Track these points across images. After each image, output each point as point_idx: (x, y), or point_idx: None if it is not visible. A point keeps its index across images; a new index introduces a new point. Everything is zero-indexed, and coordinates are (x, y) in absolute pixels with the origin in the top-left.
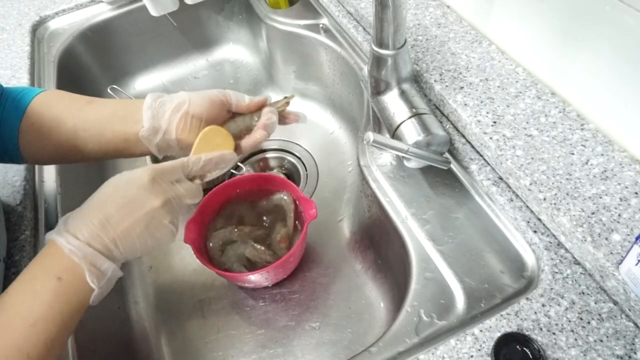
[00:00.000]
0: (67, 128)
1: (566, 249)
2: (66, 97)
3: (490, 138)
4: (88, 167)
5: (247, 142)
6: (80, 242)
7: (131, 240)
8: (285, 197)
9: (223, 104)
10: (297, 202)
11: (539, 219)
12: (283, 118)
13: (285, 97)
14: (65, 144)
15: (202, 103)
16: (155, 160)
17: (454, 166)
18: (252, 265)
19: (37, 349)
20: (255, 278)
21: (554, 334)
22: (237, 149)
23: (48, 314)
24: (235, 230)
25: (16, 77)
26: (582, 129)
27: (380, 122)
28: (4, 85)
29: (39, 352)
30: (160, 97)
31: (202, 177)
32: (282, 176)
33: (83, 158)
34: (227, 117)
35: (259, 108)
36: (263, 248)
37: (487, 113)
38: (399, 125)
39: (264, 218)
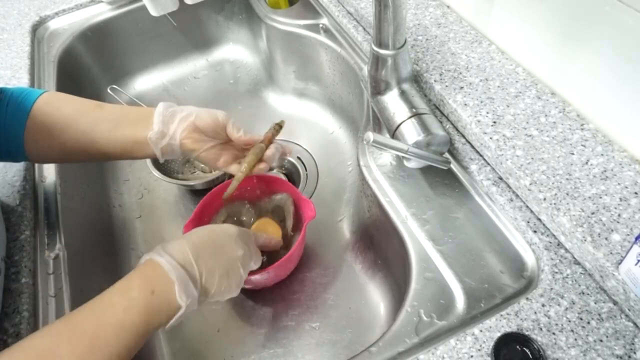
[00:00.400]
0: (77, 129)
1: (566, 249)
2: (74, 99)
3: (490, 138)
4: (88, 168)
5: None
6: (177, 262)
7: (213, 279)
8: (285, 198)
9: (222, 125)
10: (297, 203)
11: (539, 219)
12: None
13: (277, 124)
14: (74, 144)
15: (205, 118)
16: (155, 163)
17: (454, 166)
18: None
19: (118, 347)
20: (255, 278)
21: (553, 334)
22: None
23: (135, 320)
24: None
25: (16, 77)
26: (582, 129)
27: (380, 122)
28: (4, 86)
29: (118, 349)
30: (171, 107)
31: None
32: (282, 176)
33: (89, 158)
34: (225, 136)
35: (247, 145)
36: None
37: (487, 113)
38: (399, 125)
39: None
